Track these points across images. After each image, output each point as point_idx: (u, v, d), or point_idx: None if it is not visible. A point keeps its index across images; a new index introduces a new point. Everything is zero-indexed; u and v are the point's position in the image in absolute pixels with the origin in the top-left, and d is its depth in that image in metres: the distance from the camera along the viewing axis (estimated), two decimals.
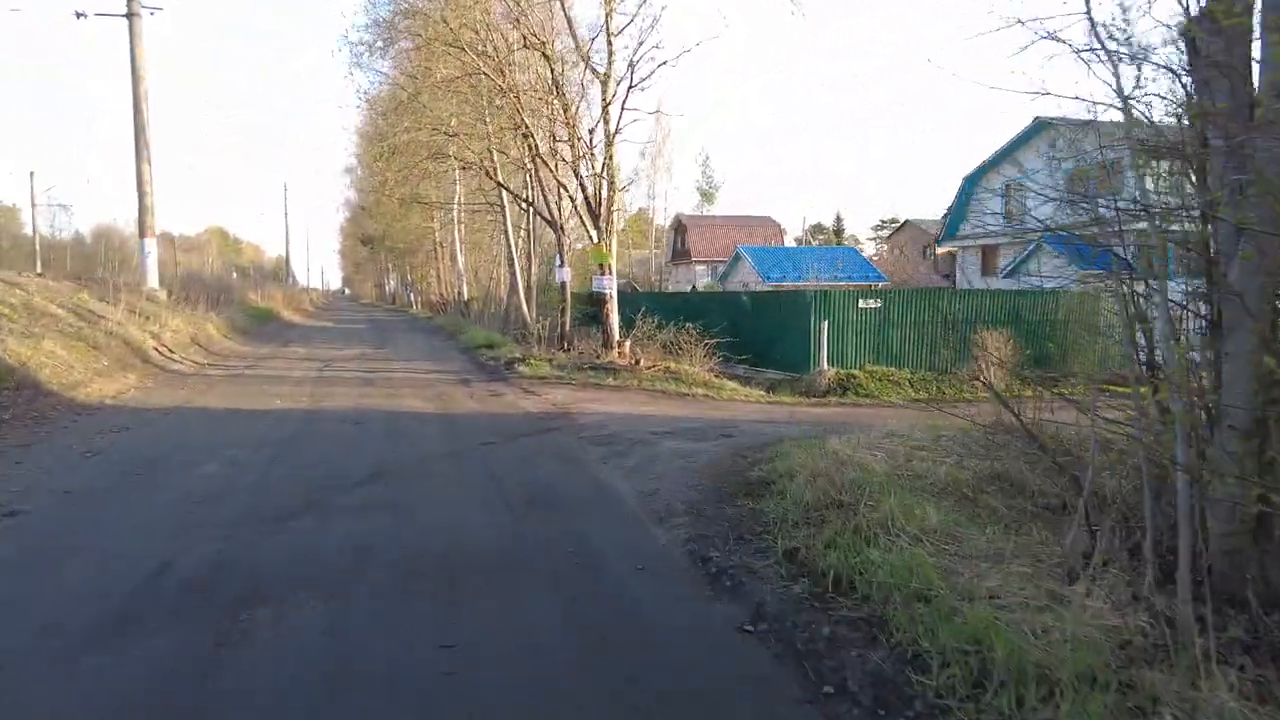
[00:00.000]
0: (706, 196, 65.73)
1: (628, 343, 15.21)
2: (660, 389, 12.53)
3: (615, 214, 14.61)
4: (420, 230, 37.35)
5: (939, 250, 35.72)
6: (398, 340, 24.89)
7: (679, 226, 52.59)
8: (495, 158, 18.20)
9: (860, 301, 16.51)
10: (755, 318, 17.85)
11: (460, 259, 32.99)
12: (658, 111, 29.77)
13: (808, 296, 16.44)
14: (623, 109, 13.55)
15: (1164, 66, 3.23)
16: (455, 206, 28.85)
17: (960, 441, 6.86)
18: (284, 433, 8.45)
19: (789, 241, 49.98)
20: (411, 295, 55.67)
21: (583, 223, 15.20)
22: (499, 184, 19.27)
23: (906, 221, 53.84)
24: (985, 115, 33.75)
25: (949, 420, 6.47)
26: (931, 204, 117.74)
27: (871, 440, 6.98)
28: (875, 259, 46.80)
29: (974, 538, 4.05)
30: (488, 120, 17.02)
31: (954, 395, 15.10)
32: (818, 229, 66.74)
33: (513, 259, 22.26)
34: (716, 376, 13.86)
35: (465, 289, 33.27)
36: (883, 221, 75.24)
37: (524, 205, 20.27)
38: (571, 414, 9.79)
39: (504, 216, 22.30)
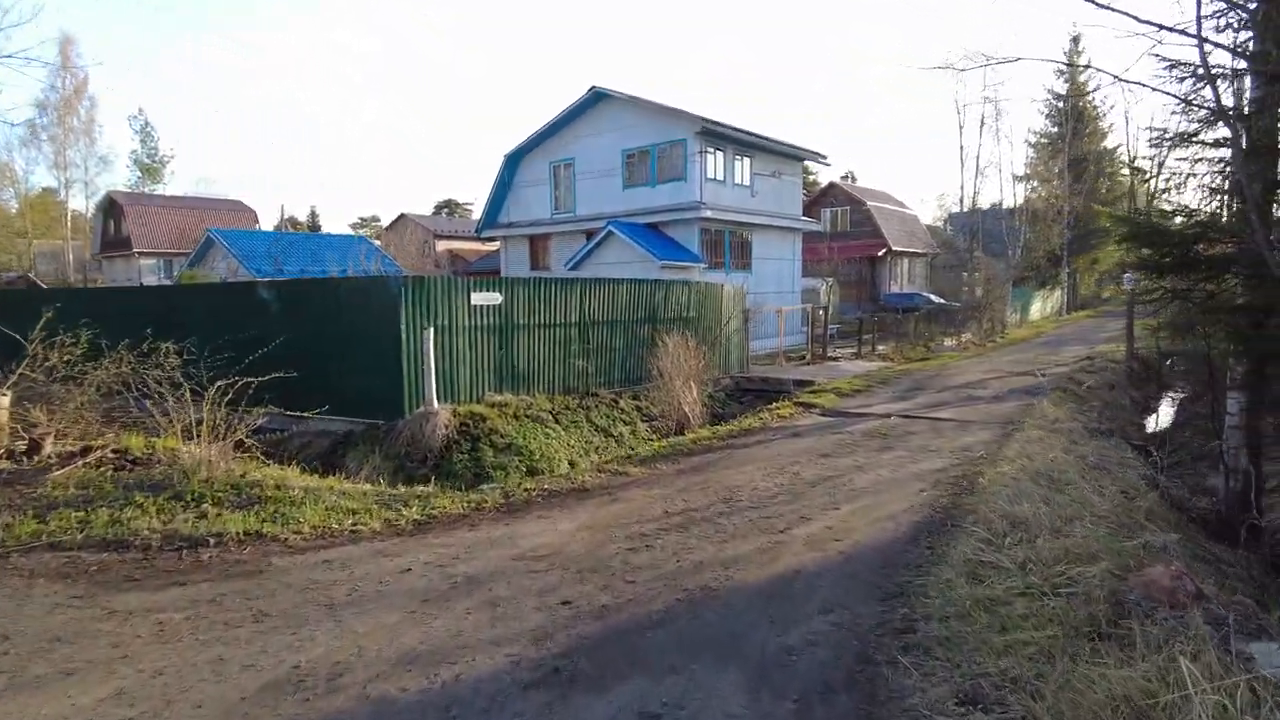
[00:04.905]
0: (150, 172, 49.97)
1: (5, 399, 6.34)
2: (115, 537, 4.52)
3: None
4: None
5: (483, 241, 31.46)
6: None
7: (112, 208, 37.72)
8: None
9: (474, 296, 10.45)
10: (288, 324, 10.30)
11: None
12: None
13: (393, 286, 9.73)
14: None
15: None
16: None
17: None
18: None
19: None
20: None
21: None
22: None
23: (402, 215, 48.74)
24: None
25: None
26: (422, 198, 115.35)
27: None
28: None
29: None
30: None
31: (640, 442, 10.28)
32: (293, 222, 56.96)
33: None
34: (253, 460, 6.25)
35: None
36: (362, 219, 68.48)
37: None
38: None
39: None
